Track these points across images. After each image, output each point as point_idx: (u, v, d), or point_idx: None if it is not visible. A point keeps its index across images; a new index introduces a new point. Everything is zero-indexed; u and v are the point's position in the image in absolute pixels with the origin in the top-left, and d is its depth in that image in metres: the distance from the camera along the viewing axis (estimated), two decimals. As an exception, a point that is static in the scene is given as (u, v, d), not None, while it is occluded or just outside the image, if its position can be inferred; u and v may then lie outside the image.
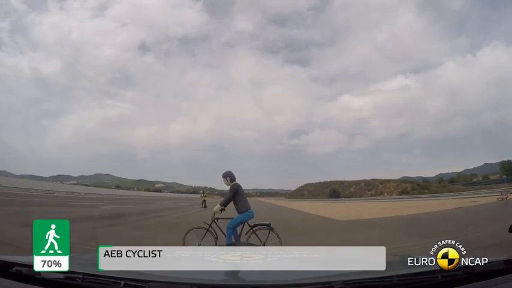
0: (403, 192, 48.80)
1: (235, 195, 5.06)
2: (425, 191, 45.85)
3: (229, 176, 5.17)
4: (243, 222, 4.98)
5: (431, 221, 10.95)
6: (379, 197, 46.62)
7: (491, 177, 49.65)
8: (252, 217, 5.06)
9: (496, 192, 21.48)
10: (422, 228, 9.01)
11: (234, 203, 5.07)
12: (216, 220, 5.10)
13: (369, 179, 58.80)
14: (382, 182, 55.64)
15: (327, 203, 36.06)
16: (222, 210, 5.07)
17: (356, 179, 60.96)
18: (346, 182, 61.71)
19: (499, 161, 51.03)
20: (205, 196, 24.63)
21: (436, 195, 33.54)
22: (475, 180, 53.56)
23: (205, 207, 22.26)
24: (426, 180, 56.16)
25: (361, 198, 49.44)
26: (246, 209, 5.01)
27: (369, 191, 55.59)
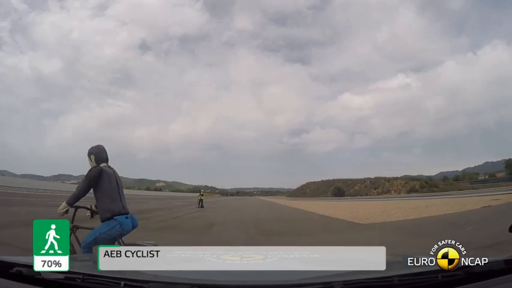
0: (411, 190, 47.84)
1: (95, 185, 2.92)
2: (434, 189, 44.48)
3: (94, 154, 3.06)
4: (112, 239, 2.87)
5: (480, 222, 8.99)
6: (386, 195, 45.70)
7: (497, 175, 49.09)
8: (130, 229, 2.98)
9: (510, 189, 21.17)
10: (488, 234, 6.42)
11: (97, 202, 3.03)
12: (75, 230, 3.15)
13: (373, 177, 58.48)
14: (389, 180, 55.03)
15: (332, 202, 35.08)
16: (89, 213, 3.20)
17: (358, 177, 60.67)
18: (350, 180, 61.29)
19: (499, 159, 50.85)
20: (202, 195, 22.70)
21: (447, 193, 32.27)
22: (481, 178, 53.10)
23: (202, 207, 20.82)
24: (429, 178, 55.74)
25: (367, 196, 48.82)
26: (113, 213, 2.87)
27: (375, 189, 55.06)
